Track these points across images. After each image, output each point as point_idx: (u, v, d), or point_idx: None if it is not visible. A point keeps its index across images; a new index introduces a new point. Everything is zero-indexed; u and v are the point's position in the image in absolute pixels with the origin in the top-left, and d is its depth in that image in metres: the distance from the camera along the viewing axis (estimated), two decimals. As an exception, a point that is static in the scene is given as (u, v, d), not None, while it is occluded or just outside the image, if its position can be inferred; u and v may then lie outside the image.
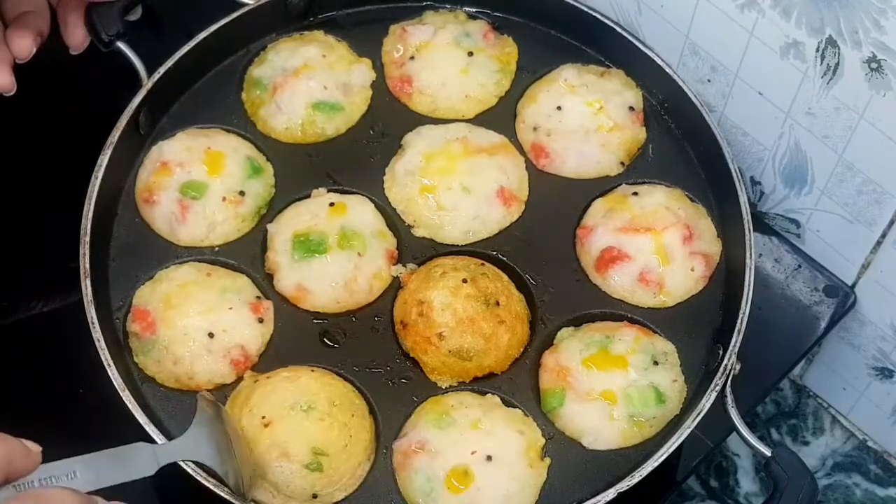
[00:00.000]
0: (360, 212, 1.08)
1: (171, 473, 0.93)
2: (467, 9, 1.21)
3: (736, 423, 0.98)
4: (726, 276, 1.07)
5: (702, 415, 0.97)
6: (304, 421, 0.95)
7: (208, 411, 0.90)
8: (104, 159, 1.06)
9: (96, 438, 1.09)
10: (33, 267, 1.21)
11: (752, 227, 1.05)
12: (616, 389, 0.99)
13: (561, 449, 0.99)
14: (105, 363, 0.97)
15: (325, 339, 1.04)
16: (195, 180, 1.07)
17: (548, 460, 0.98)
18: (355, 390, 1.00)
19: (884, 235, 1.08)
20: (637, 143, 1.14)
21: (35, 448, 0.65)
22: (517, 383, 1.02)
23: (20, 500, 0.60)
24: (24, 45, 1.05)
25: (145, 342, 1.01)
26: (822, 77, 1.01)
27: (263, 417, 0.95)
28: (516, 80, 1.17)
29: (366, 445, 0.98)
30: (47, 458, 0.73)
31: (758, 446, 0.97)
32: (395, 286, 1.06)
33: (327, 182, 1.11)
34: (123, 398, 0.96)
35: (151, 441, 0.92)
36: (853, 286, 1.16)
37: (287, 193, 1.10)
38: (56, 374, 1.13)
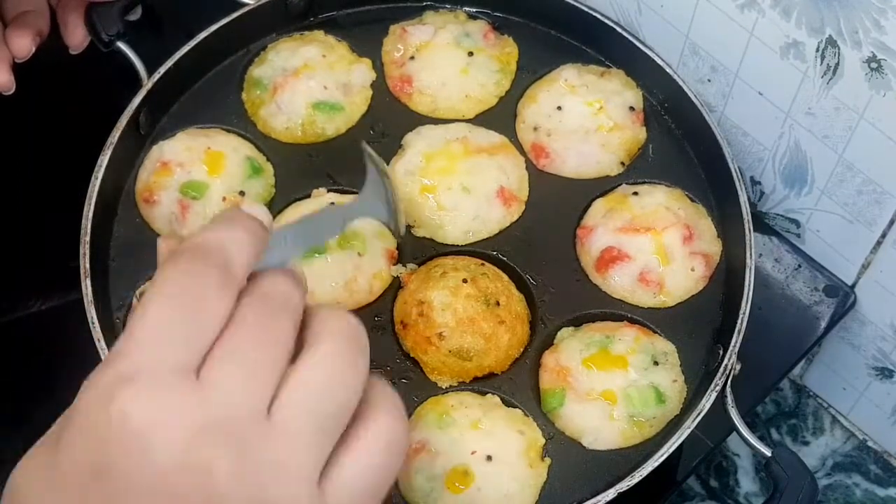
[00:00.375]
0: (360, 212, 1.08)
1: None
2: (467, 9, 1.21)
3: (736, 423, 0.98)
4: (726, 276, 1.07)
5: (702, 415, 0.97)
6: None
7: (375, 166, 0.92)
8: (104, 159, 1.06)
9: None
10: (33, 267, 1.21)
11: (752, 227, 1.05)
12: (616, 389, 0.99)
13: (561, 449, 0.99)
14: (105, 363, 0.97)
15: (325, 339, 1.04)
16: (195, 180, 1.07)
17: (548, 460, 0.98)
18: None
19: (884, 235, 1.08)
20: (637, 143, 1.14)
21: (267, 218, 0.66)
22: (517, 383, 1.02)
23: (263, 298, 0.61)
24: (24, 44, 1.05)
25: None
26: (822, 77, 1.01)
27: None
28: (516, 80, 1.17)
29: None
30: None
31: (758, 446, 0.97)
32: (395, 286, 1.06)
33: (327, 182, 1.11)
34: (123, 398, 0.96)
35: None
36: (853, 286, 1.16)
37: (287, 193, 1.10)
38: (56, 374, 1.13)
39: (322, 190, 1.09)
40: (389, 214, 0.93)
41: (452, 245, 1.08)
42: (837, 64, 0.98)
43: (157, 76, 1.11)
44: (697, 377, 1.02)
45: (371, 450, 0.61)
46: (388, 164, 1.12)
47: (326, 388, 0.60)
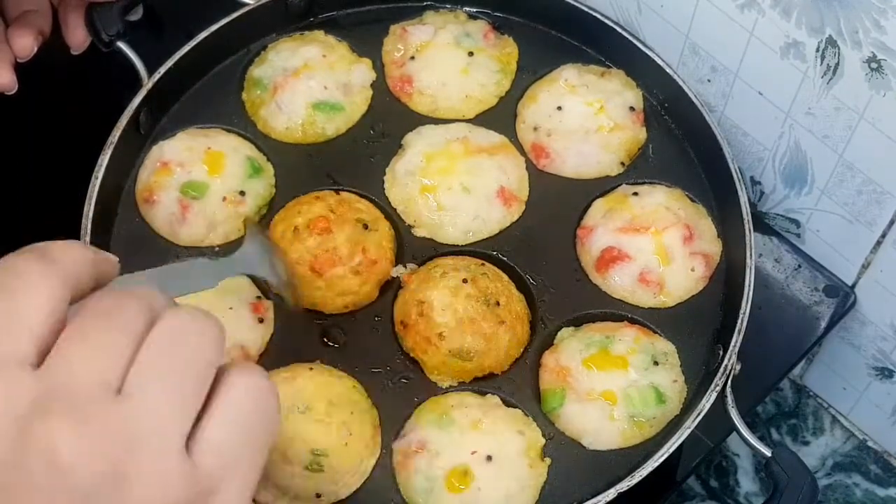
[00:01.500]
0: (360, 212, 1.08)
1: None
2: (468, 9, 1.21)
3: (736, 423, 0.98)
4: (726, 276, 1.07)
5: (702, 415, 0.97)
6: (302, 423, 0.95)
7: (256, 232, 0.94)
8: (104, 159, 1.06)
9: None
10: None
11: (752, 227, 1.05)
12: (616, 389, 0.99)
13: (561, 449, 0.99)
14: (105, 363, 0.97)
15: (325, 339, 1.04)
16: (195, 180, 1.07)
17: (548, 460, 0.98)
18: (355, 385, 1.00)
19: (884, 235, 1.08)
20: (637, 144, 1.14)
21: (114, 258, 0.67)
22: (517, 383, 1.02)
23: (113, 293, 0.62)
24: (26, 44, 1.05)
25: (145, 342, 1.01)
26: (822, 77, 1.01)
27: (263, 419, 0.95)
28: (516, 80, 1.17)
29: (367, 441, 0.98)
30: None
31: (758, 446, 0.97)
32: (395, 286, 1.06)
33: (327, 182, 1.11)
34: (124, 398, 0.96)
35: None
36: (853, 286, 1.16)
37: (287, 193, 1.10)
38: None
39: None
40: (271, 272, 0.93)
41: (452, 245, 1.08)
42: (837, 64, 0.98)
43: (157, 76, 1.11)
44: (697, 377, 1.02)
45: (232, 402, 0.61)
46: (388, 164, 1.12)
47: (178, 352, 0.60)
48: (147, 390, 0.58)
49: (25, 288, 0.58)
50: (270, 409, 0.63)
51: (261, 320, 1.03)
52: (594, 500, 0.94)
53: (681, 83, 1.12)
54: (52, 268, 0.60)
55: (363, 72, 1.16)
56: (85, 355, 0.58)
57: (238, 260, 0.92)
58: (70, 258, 0.61)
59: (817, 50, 0.99)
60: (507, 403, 1.01)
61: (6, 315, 0.58)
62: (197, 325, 0.62)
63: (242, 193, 1.08)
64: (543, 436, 0.99)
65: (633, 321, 1.05)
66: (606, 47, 1.17)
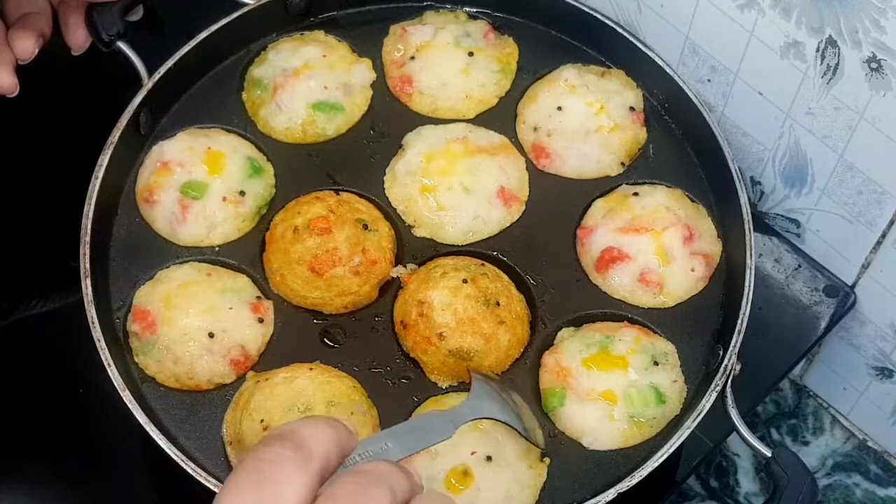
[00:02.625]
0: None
1: (172, 474, 0.94)
2: (468, 9, 1.21)
3: (736, 423, 0.98)
4: (726, 276, 1.07)
5: (702, 415, 0.97)
6: (302, 423, 0.95)
7: (483, 378, 0.94)
8: (104, 159, 1.06)
9: (96, 438, 1.10)
10: (33, 267, 1.21)
11: (752, 227, 1.05)
12: (616, 390, 0.99)
13: (561, 449, 0.99)
14: (105, 363, 0.97)
15: (325, 339, 1.04)
16: (195, 180, 1.08)
17: (547, 460, 0.98)
18: (355, 385, 1.00)
19: (884, 235, 1.08)
20: (637, 144, 1.14)
21: (353, 429, 0.71)
22: (517, 383, 1.02)
23: (357, 473, 0.67)
24: (27, 45, 1.05)
25: (145, 342, 1.01)
26: (822, 77, 1.01)
27: (262, 421, 0.96)
28: (517, 80, 1.17)
29: (367, 443, 0.98)
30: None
31: (758, 446, 0.97)
32: (395, 286, 1.06)
33: (327, 182, 1.11)
34: (123, 398, 0.96)
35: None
36: (853, 286, 1.16)
37: (287, 193, 1.10)
38: (56, 374, 1.13)
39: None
40: (508, 414, 0.93)
41: (452, 245, 1.08)
42: (837, 64, 0.98)
43: (157, 76, 1.11)
44: (697, 377, 1.02)
45: None
46: (388, 164, 1.12)
47: None
48: None
49: (286, 480, 0.63)
50: None
51: (261, 320, 1.03)
52: (594, 500, 0.94)
53: (681, 83, 1.12)
54: (306, 458, 0.65)
55: (363, 72, 1.16)
56: None
57: (470, 406, 0.91)
58: (321, 444, 0.66)
59: (817, 50, 0.99)
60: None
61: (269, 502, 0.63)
62: None
63: (242, 193, 1.08)
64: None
65: (633, 321, 1.05)
66: (606, 47, 1.17)
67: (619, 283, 1.06)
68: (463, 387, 1.01)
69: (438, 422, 0.85)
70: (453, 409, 0.91)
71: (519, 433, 0.93)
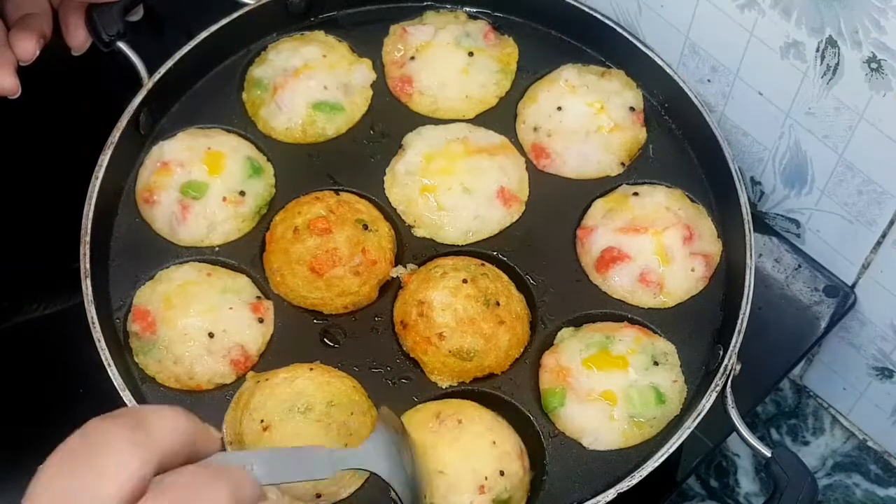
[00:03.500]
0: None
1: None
2: (468, 9, 1.21)
3: (736, 423, 0.98)
4: (726, 276, 1.07)
5: (702, 415, 0.97)
6: (302, 423, 0.95)
7: (388, 425, 0.87)
8: (104, 159, 1.06)
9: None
10: (33, 267, 1.21)
11: (752, 227, 1.05)
12: (616, 390, 0.99)
13: (561, 449, 0.99)
14: (105, 363, 0.97)
15: (325, 339, 1.04)
16: (195, 180, 1.08)
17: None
18: (355, 385, 1.00)
19: (884, 235, 1.08)
20: (637, 144, 1.14)
21: (217, 434, 0.65)
22: (517, 383, 1.02)
23: (201, 464, 0.61)
24: (28, 47, 1.05)
25: (145, 342, 1.01)
26: (822, 77, 1.01)
27: (262, 421, 0.96)
28: (516, 80, 1.17)
29: (366, 443, 0.98)
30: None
31: (758, 446, 0.97)
32: (395, 286, 1.06)
33: (327, 182, 1.11)
34: (123, 398, 0.96)
35: None
36: (853, 286, 1.16)
37: (287, 193, 1.10)
38: (56, 374, 1.13)
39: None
40: (395, 476, 0.85)
41: (452, 245, 1.08)
42: (837, 64, 0.98)
43: (157, 76, 1.11)
44: (697, 377, 1.02)
45: None
46: (388, 164, 1.12)
47: None
48: None
49: (113, 464, 0.57)
50: None
51: (261, 320, 1.03)
52: (594, 500, 0.94)
53: (681, 83, 1.12)
54: (143, 441, 0.58)
55: (363, 72, 1.16)
56: None
57: (360, 455, 0.85)
58: (166, 431, 0.59)
59: (817, 50, 0.99)
60: (508, 403, 1.01)
61: (88, 488, 0.56)
62: None
63: (242, 193, 1.08)
64: (541, 444, 0.99)
65: (633, 321, 1.05)
66: (606, 47, 1.17)
67: (619, 283, 1.06)
68: (463, 387, 1.02)
69: (318, 458, 0.77)
70: (340, 451, 0.86)
71: (395, 498, 0.87)
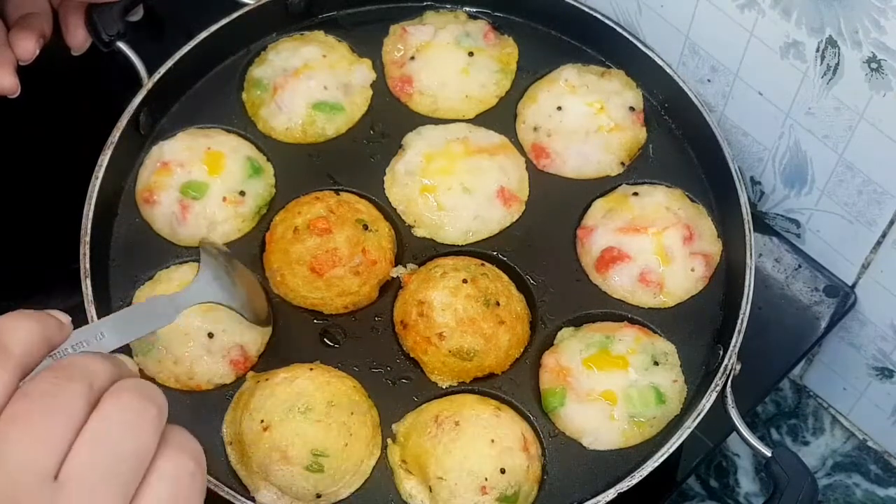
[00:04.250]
0: (360, 212, 1.08)
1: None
2: (468, 9, 1.21)
3: (736, 423, 0.98)
4: (726, 276, 1.07)
5: (702, 415, 0.97)
6: (302, 423, 0.95)
7: (212, 254, 0.94)
8: (104, 159, 1.06)
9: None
10: (34, 267, 1.21)
11: (752, 227, 1.05)
12: (616, 389, 0.99)
13: (561, 449, 0.99)
14: (105, 363, 0.97)
15: (325, 339, 1.04)
16: (195, 180, 1.07)
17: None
18: (356, 386, 1.00)
19: (884, 235, 1.08)
20: (637, 144, 1.14)
21: (66, 318, 0.69)
22: (517, 383, 1.02)
23: (54, 369, 0.64)
24: (28, 46, 1.05)
25: (145, 342, 1.01)
26: (822, 77, 1.01)
27: (262, 421, 0.96)
28: (516, 80, 1.17)
29: (367, 442, 0.98)
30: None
31: (758, 446, 0.97)
32: (395, 286, 1.06)
33: (327, 182, 1.11)
34: (124, 398, 0.96)
35: None
36: (853, 286, 1.16)
37: (287, 193, 1.10)
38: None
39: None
40: (233, 298, 0.93)
41: (452, 245, 1.08)
42: (837, 64, 0.98)
43: (157, 76, 1.11)
44: (697, 377, 1.02)
45: (162, 484, 0.64)
46: (388, 164, 1.12)
47: (114, 440, 0.62)
48: (83, 480, 0.60)
49: None
50: (195, 493, 0.67)
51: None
52: (594, 500, 0.94)
53: (681, 83, 1.12)
54: (2, 356, 0.62)
55: (363, 72, 1.16)
56: (23, 444, 0.60)
57: (194, 290, 0.91)
58: (20, 339, 0.64)
59: (817, 50, 0.99)
60: (508, 403, 1.01)
61: None
62: (137, 407, 0.64)
63: (242, 193, 1.08)
64: (541, 444, 0.99)
65: (633, 321, 1.05)
66: (606, 47, 1.17)
67: (619, 283, 1.06)
68: (463, 387, 1.02)
69: (160, 306, 0.83)
70: (176, 293, 0.91)
71: (242, 316, 0.95)
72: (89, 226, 1.03)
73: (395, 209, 1.10)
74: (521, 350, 1.04)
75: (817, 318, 1.16)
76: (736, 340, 1.00)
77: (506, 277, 1.06)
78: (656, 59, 1.14)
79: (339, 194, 1.09)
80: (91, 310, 0.99)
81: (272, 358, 1.03)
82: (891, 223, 1.06)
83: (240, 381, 1.01)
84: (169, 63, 1.12)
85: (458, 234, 1.09)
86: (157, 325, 0.84)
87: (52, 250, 1.16)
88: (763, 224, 1.20)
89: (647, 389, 1.00)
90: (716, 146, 1.09)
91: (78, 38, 1.10)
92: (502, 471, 0.94)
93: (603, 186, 1.12)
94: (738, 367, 0.99)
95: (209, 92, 1.16)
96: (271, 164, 1.12)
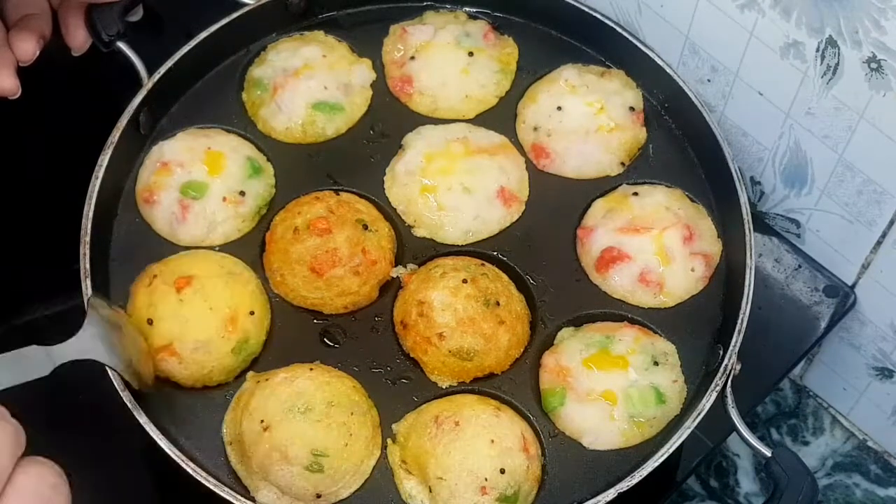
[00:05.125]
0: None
1: (172, 474, 0.94)
2: (468, 9, 1.21)
3: (736, 423, 0.98)
4: (726, 276, 1.07)
5: (702, 415, 0.97)
6: (302, 423, 0.95)
7: (99, 312, 0.92)
8: (104, 159, 1.06)
9: (97, 438, 1.10)
10: (33, 267, 1.21)
11: (752, 227, 1.05)
12: (616, 390, 0.99)
13: (561, 449, 0.99)
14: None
15: (325, 339, 1.04)
16: (195, 180, 1.07)
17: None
18: (356, 386, 1.00)
19: (884, 235, 1.08)
20: (637, 144, 1.14)
21: None
22: (517, 383, 1.02)
23: None
24: (28, 47, 1.05)
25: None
26: (822, 77, 1.01)
27: (262, 421, 0.96)
28: (516, 80, 1.17)
29: (367, 442, 0.98)
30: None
31: (758, 446, 0.97)
32: (395, 286, 1.06)
33: (327, 182, 1.11)
34: (123, 398, 0.96)
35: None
36: (853, 286, 1.16)
37: (287, 193, 1.10)
38: (56, 375, 1.13)
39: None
40: (114, 358, 0.91)
41: (452, 245, 1.08)
42: (837, 64, 0.98)
43: (157, 76, 1.11)
44: (697, 377, 1.02)
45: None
46: (388, 164, 1.12)
47: None
48: None
49: None
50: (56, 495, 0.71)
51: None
52: (594, 500, 0.94)
53: (681, 83, 1.12)
54: None
55: (363, 72, 1.16)
56: None
57: (74, 345, 0.89)
58: None
59: (817, 50, 0.99)
60: (508, 403, 1.01)
61: None
62: None
63: (242, 193, 1.08)
64: (541, 444, 0.99)
65: (633, 321, 1.05)
66: (606, 47, 1.17)
67: (619, 283, 1.06)
68: (463, 387, 1.02)
69: (36, 358, 0.82)
70: (57, 346, 0.88)
71: (122, 378, 0.93)
72: (89, 226, 1.03)
73: (395, 209, 1.10)
74: (521, 350, 1.03)
75: (817, 318, 1.16)
76: (736, 340, 1.00)
77: (506, 277, 1.06)
78: (656, 59, 1.14)
79: (339, 194, 1.09)
80: (91, 310, 0.99)
81: (272, 358, 1.03)
82: (891, 223, 1.06)
83: (240, 380, 1.01)
84: (169, 63, 1.12)
85: (458, 234, 1.09)
86: (30, 375, 0.81)
87: (52, 250, 1.16)
88: (763, 224, 1.20)
89: (647, 389, 1.00)
90: (716, 146, 1.09)
91: (78, 39, 1.10)
92: (502, 471, 0.94)
93: (603, 186, 1.12)
94: (738, 367, 0.99)
95: (209, 92, 1.16)
96: (271, 164, 1.12)
